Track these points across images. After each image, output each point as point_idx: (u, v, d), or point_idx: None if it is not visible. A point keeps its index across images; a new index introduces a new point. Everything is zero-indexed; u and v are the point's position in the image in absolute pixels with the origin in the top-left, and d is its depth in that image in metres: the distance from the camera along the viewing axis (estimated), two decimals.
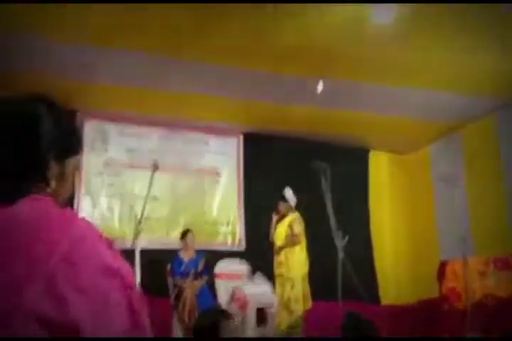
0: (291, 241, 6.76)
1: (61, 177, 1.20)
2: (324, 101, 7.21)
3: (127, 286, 1.04)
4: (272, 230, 7.01)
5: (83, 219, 1.11)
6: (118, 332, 1.00)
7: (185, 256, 6.73)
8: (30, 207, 1.06)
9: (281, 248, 6.77)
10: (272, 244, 6.99)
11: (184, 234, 6.88)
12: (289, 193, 6.99)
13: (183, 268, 6.60)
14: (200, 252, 6.85)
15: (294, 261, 6.70)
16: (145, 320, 1.06)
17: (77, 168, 1.30)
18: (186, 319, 6.09)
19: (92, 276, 0.99)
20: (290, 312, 6.44)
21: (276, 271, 6.76)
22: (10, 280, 0.95)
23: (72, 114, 7.13)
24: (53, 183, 1.17)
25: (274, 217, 7.04)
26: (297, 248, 6.77)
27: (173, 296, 6.46)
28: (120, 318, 1.01)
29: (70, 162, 1.24)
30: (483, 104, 7.50)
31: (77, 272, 0.98)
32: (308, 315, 6.63)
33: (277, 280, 6.70)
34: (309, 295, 6.67)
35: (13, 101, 1.22)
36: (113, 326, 0.99)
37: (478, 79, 6.72)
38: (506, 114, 7.71)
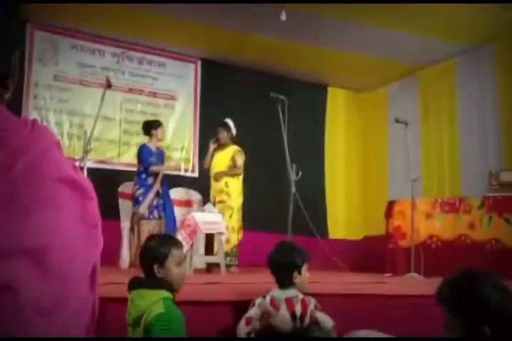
0: (233, 172, 6.61)
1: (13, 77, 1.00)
2: (286, 34, 7.10)
3: (89, 197, 0.94)
4: (209, 158, 6.77)
5: (45, 127, 0.97)
6: (74, 243, 0.90)
7: None
8: None
9: (220, 175, 6.62)
10: (207, 172, 6.83)
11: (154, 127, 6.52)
12: (231, 123, 6.76)
13: None
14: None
15: (234, 191, 6.58)
16: (99, 233, 0.97)
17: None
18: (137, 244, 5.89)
19: (56, 187, 0.89)
20: (227, 240, 6.34)
21: (217, 198, 6.60)
22: None
23: (22, 23, 6.86)
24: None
25: (212, 146, 6.78)
26: (236, 178, 6.63)
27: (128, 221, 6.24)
28: (76, 230, 0.91)
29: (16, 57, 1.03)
30: (443, 48, 7.50)
31: (41, 181, 0.87)
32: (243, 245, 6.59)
33: (217, 208, 6.55)
34: (241, 226, 6.60)
35: None
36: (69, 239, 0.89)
37: (439, 22, 6.68)
38: (465, 59, 7.72)
